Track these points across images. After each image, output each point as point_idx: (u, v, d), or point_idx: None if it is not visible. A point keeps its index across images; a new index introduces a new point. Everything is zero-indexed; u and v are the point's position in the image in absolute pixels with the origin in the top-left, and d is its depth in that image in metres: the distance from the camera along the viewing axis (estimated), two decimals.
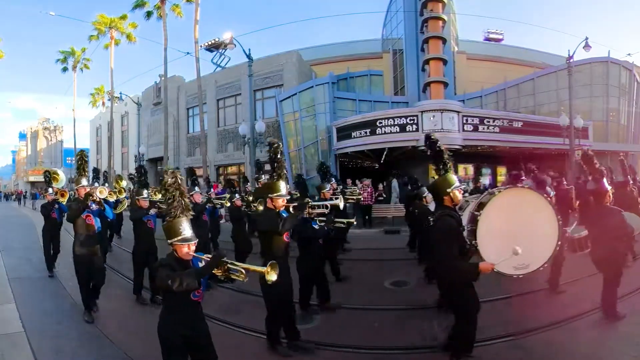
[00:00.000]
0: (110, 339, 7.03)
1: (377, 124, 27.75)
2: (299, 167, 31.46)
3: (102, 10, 78.86)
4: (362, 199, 18.23)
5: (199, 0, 35.68)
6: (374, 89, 34.90)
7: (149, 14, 37.40)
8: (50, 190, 13.02)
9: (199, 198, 11.76)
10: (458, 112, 26.96)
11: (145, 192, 10.08)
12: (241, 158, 34.24)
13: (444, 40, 32.30)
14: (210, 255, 4.88)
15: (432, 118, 26.38)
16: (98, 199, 8.89)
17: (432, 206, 11.88)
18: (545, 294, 8.64)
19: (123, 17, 43.00)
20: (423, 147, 26.26)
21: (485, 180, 29.92)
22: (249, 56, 27.00)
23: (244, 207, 13.24)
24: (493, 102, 34.55)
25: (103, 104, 54.44)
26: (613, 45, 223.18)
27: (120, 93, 45.81)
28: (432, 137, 6.41)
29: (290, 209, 7.12)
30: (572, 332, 6.80)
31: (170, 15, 36.85)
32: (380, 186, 24.65)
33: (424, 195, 11.34)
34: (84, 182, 9.09)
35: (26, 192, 70.02)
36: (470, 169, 31.50)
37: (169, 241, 4.84)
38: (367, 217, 21.55)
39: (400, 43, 35.78)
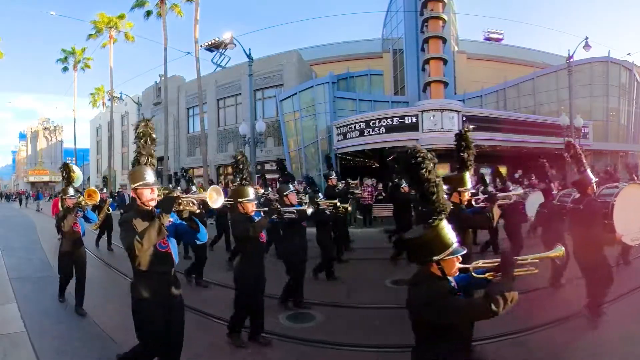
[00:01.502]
0: (112, 339, 6.99)
1: (377, 123, 27.81)
2: (299, 166, 31.49)
3: (102, 9, 78.91)
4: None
5: (198, 0, 35.76)
6: (374, 88, 34.92)
7: (148, 13, 37.44)
8: (70, 190, 9.13)
9: (294, 199, 8.91)
10: (458, 111, 27.00)
11: (251, 191, 7.30)
12: None
13: (444, 40, 32.35)
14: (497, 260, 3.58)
15: (432, 118, 26.43)
16: (198, 209, 5.10)
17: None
18: (546, 292, 8.65)
19: (121, 17, 43.06)
20: (423, 147, 26.56)
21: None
22: (249, 56, 27.03)
23: (331, 209, 10.81)
24: (493, 102, 34.63)
25: (103, 103, 54.42)
26: (613, 45, 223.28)
27: (121, 93, 45.92)
28: (572, 141, 7.80)
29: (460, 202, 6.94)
30: (573, 330, 6.80)
31: (170, 15, 36.97)
32: (380, 185, 24.71)
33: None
34: (150, 177, 4.95)
35: (27, 192, 69.66)
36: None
37: (437, 257, 3.33)
38: (366, 216, 21.67)
39: (401, 43, 35.87)
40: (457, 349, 3.42)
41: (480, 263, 3.68)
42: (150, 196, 4.87)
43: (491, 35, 45.87)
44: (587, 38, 28.73)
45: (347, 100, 32.06)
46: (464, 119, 27.08)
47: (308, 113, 31.79)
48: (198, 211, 5.00)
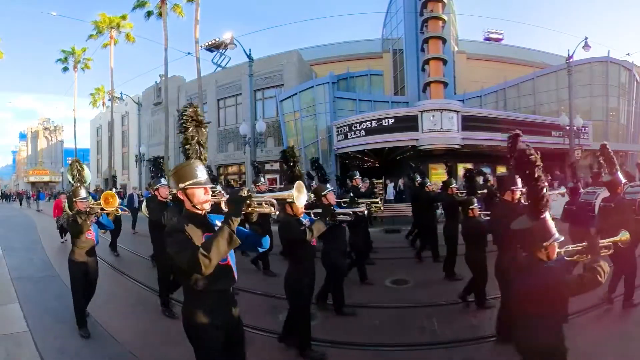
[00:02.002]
0: (115, 338, 7.02)
1: (377, 123, 27.85)
2: (300, 166, 31.51)
3: (103, 9, 78.81)
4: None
5: (199, 0, 35.76)
6: (374, 88, 35.00)
7: (149, 14, 37.40)
8: (82, 192, 7.76)
9: (333, 199, 7.96)
10: (457, 111, 27.03)
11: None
12: (242, 158, 34.35)
13: (444, 40, 32.38)
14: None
15: (431, 118, 26.48)
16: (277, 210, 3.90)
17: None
18: None
19: (123, 17, 43.03)
20: (423, 147, 26.64)
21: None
22: (249, 56, 27.09)
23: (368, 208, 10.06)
24: (493, 102, 34.68)
25: (103, 103, 54.21)
26: (612, 45, 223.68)
27: (121, 93, 45.80)
28: (606, 144, 8.77)
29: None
30: (572, 329, 6.82)
31: (170, 15, 36.93)
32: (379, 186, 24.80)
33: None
34: (202, 174, 3.94)
35: (28, 192, 69.42)
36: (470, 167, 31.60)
37: (546, 243, 3.90)
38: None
39: (400, 43, 35.91)
40: (561, 322, 3.98)
41: (570, 247, 4.20)
42: (204, 197, 3.90)
43: (491, 36, 45.83)
44: (586, 38, 28.79)
45: (347, 101, 32.12)
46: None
47: (308, 113, 31.87)
48: (277, 213, 4.02)
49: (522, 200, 6.95)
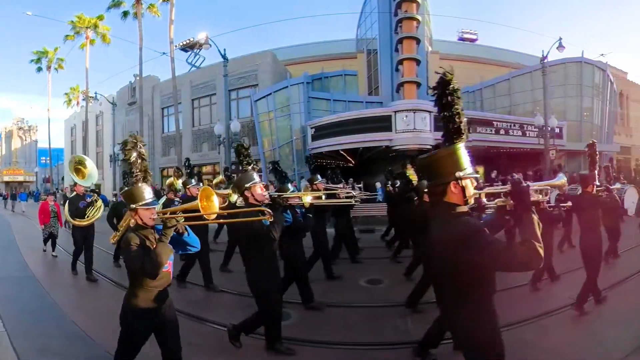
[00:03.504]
0: (92, 338, 6.92)
1: (351, 124, 27.89)
2: None
3: (78, 9, 78.61)
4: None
5: (173, 0, 35.65)
6: (349, 89, 35.19)
7: (125, 14, 37.28)
8: (146, 191, 4.49)
9: None
10: (430, 112, 27.12)
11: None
12: (216, 158, 34.28)
13: (418, 41, 32.40)
14: None
15: (405, 118, 26.57)
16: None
17: None
18: (518, 292, 8.74)
19: (100, 18, 42.83)
20: (397, 147, 26.68)
21: None
22: (224, 56, 27.02)
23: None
24: (466, 102, 34.81)
25: (78, 103, 54.02)
26: (586, 46, 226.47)
27: (95, 93, 45.42)
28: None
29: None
30: (543, 328, 6.88)
31: (146, 15, 36.87)
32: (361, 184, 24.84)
33: None
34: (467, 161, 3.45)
35: (1, 192, 68.32)
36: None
37: None
38: None
39: (375, 43, 35.93)
40: None
41: None
42: (474, 191, 3.21)
43: (465, 36, 45.92)
44: (560, 39, 29.07)
45: (322, 101, 32.22)
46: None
47: (283, 113, 31.93)
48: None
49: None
